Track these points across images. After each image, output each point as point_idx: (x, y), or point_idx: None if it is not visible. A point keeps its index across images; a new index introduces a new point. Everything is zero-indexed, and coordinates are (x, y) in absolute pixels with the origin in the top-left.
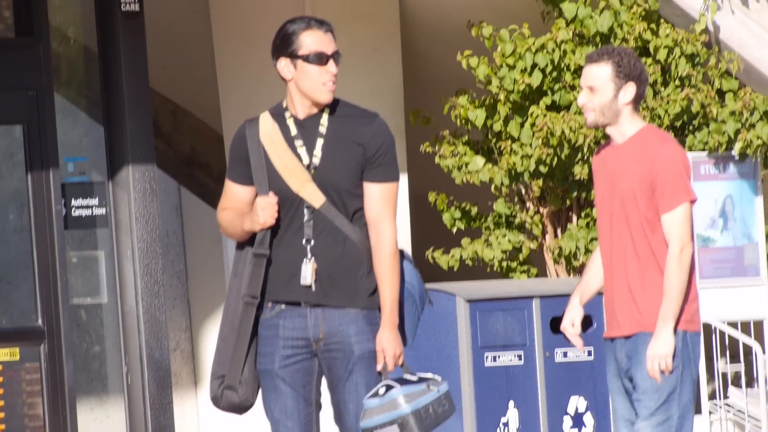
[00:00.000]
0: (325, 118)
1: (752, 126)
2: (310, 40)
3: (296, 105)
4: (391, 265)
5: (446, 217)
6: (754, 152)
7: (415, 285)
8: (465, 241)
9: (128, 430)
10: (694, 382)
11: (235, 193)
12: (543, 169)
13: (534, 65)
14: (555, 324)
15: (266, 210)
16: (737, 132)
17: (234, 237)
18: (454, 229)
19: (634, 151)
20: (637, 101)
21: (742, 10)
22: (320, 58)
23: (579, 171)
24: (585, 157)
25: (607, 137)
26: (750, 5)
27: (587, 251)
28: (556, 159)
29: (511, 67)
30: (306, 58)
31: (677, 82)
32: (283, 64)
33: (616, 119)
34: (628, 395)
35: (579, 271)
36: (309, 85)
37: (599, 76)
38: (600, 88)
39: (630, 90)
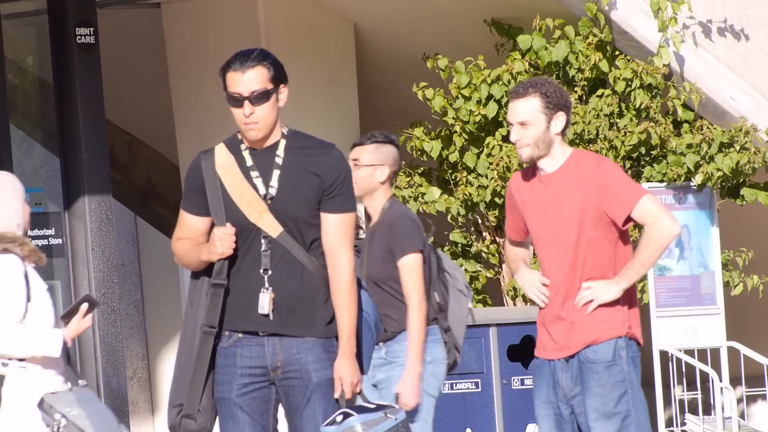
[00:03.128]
0: (281, 149)
1: (711, 158)
2: (229, 82)
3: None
4: (349, 294)
5: None
6: (714, 184)
7: (370, 313)
8: None
9: None
10: (644, 399)
11: (190, 223)
12: (498, 200)
13: (489, 96)
14: (512, 352)
15: (224, 240)
16: (697, 165)
17: (189, 267)
18: None
19: (569, 177)
20: (566, 128)
21: (697, 42)
22: (235, 101)
23: None
24: None
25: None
26: (705, 38)
27: None
28: None
29: (467, 99)
30: (227, 99)
31: (633, 112)
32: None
33: (548, 150)
34: (558, 423)
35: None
36: (236, 123)
37: (529, 109)
38: (531, 122)
39: (560, 119)
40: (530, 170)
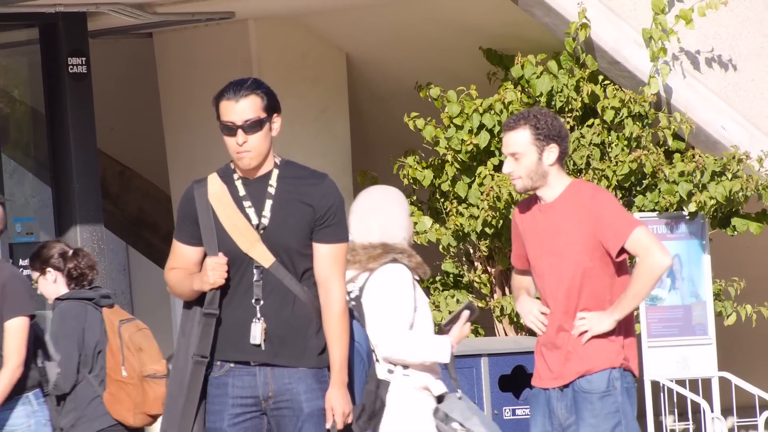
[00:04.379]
0: (274, 179)
1: (704, 187)
2: (222, 111)
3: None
4: (341, 324)
5: None
6: (707, 213)
7: (362, 344)
8: None
9: None
10: (639, 430)
11: (183, 253)
12: (489, 230)
13: (481, 126)
14: (503, 382)
15: (216, 270)
16: (690, 193)
17: (182, 296)
18: None
19: (566, 206)
20: (562, 158)
21: (689, 72)
22: (228, 130)
23: None
24: None
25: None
26: (697, 68)
27: None
28: (502, 221)
29: (459, 128)
30: (221, 128)
31: (624, 142)
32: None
33: (544, 181)
34: None
35: (526, 330)
36: (229, 152)
37: (519, 142)
38: (523, 154)
39: (553, 150)
40: (532, 199)
